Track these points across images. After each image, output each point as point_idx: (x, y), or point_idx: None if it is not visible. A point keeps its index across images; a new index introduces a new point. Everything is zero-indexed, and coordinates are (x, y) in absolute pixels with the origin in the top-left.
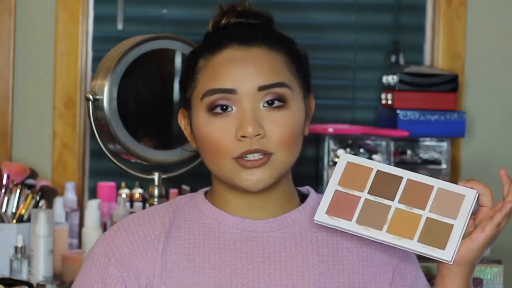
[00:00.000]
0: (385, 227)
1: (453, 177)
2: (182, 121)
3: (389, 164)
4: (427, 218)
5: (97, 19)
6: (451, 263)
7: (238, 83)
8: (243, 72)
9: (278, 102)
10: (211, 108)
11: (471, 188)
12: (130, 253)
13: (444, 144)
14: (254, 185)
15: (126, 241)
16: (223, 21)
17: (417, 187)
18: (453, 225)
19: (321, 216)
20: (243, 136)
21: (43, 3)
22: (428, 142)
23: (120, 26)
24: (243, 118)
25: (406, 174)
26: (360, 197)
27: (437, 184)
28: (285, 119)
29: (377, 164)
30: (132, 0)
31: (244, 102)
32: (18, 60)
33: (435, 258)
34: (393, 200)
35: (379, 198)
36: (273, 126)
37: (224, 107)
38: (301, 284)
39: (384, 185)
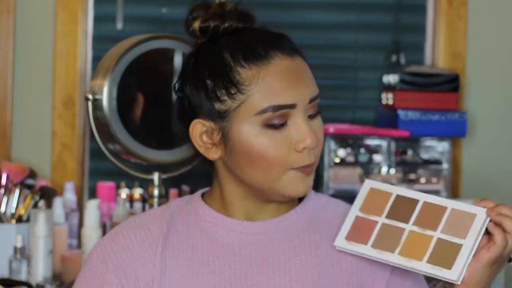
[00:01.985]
0: (398, 250)
1: (454, 177)
2: (197, 133)
3: (390, 164)
4: (438, 239)
5: (96, 19)
6: (458, 283)
7: (297, 97)
8: (299, 85)
9: (318, 112)
10: (268, 123)
11: (484, 207)
12: (128, 259)
13: (445, 144)
14: (305, 191)
15: (124, 247)
16: (225, 24)
17: (431, 209)
18: (462, 245)
19: (341, 241)
20: (304, 148)
21: (43, 3)
22: (429, 142)
23: (119, 25)
24: (303, 131)
25: (422, 197)
26: (378, 221)
27: (451, 205)
28: (321, 127)
29: (397, 189)
30: (132, 0)
31: (299, 114)
32: (17, 60)
33: (442, 279)
34: (407, 223)
35: (395, 222)
36: (317, 135)
37: (282, 122)
38: (300, 286)
39: (401, 209)
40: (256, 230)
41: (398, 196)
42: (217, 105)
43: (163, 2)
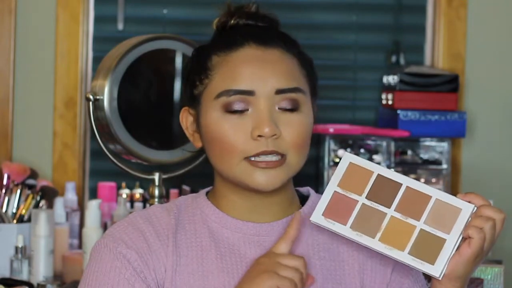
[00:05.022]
0: (378, 235)
1: (453, 177)
2: (184, 119)
3: (390, 165)
4: (421, 230)
5: (97, 19)
6: (440, 278)
7: (256, 85)
8: (262, 74)
9: (292, 106)
10: (227, 108)
11: (469, 202)
12: (147, 249)
13: (445, 144)
14: (267, 185)
15: (140, 237)
16: (232, 21)
17: (415, 195)
18: (445, 239)
19: (317, 217)
20: (259, 136)
21: (44, 4)
22: (428, 142)
23: (120, 26)
24: (260, 118)
25: (405, 181)
26: (358, 201)
27: (435, 194)
28: (298, 121)
29: (378, 168)
30: (133, 0)
31: (261, 103)
32: (18, 60)
33: (423, 272)
34: (389, 208)
35: (376, 204)
36: (287, 128)
37: (241, 108)
38: None
39: (383, 191)
40: (260, 232)
41: (379, 176)
42: (193, 91)
43: (164, 3)
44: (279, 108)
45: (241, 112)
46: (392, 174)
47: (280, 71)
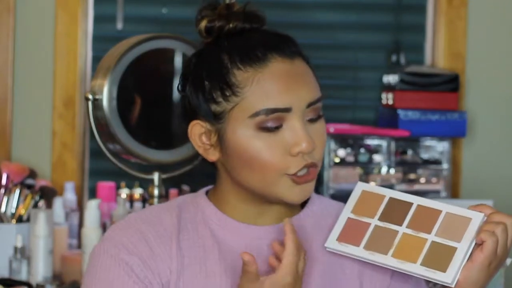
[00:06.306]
0: (391, 252)
1: (454, 177)
2: (195, 133)
3: (389, 164)
4: (432, 241)
5: (96, 19)
6: (453, 286)
7: (293, 101)
8: (296, 89)
9: (318, 116)
10: (261, 126)
11: (479, 211)
12: (150, 253)
13: (445, 144)
14: (301, 199)
15: (141, 241)
16: (230, 25)
17: (425, 212)
18: (456, 248)
19: (332, 242)
20: (299, 152)
21: (43, 3)
22: (429, 142)
23: (119, 25)
24: (297, 134)
25: (416, 200)
26: (370, 223)
27: (446, 208)
28: (322, 129)
29: (390, 192)
30: (132, 0)
31: (296, 118)
32: (17, 60)
33: (436, 281)
34: (401, 225)
35: (388, 224)
36: (317, 138)
37: (276, 125)
38: None
39: (394, 211)
40: (260, 235)
41: (391, 199)
42: (213, 107)
43: (163, 2)
44: (307, 120)
45: (275, 128)
46: (404, 196)
47: (308, 83)
